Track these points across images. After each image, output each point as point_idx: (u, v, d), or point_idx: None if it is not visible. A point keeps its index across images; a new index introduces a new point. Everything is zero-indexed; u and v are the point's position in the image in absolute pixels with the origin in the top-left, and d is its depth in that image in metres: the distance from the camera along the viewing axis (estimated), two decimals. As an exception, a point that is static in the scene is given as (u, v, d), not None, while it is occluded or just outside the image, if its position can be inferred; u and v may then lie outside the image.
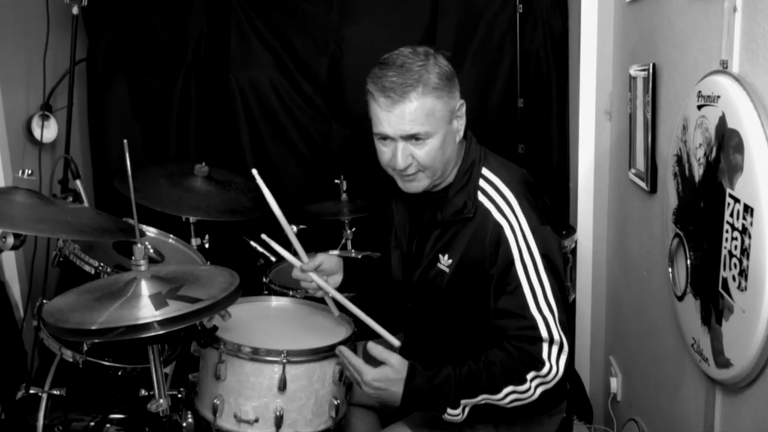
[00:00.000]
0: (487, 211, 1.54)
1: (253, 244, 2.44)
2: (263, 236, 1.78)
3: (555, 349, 1.49)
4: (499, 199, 1.55)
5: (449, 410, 1.51)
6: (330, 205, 2.67)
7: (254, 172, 1.68)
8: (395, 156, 1.53)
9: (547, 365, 1.49)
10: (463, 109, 1.59)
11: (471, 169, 1.59)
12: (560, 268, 1.55)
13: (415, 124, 1.49)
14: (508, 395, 1.50)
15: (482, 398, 1.51)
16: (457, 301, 1.63)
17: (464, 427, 1.67)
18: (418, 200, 1.68)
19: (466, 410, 1.52)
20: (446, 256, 1.61)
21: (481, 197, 1.56)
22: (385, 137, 1.55)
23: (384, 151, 1.57)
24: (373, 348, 1.54)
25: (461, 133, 1.60)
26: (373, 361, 1.92)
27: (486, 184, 1.58)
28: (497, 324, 1.54)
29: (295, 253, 1.77)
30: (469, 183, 1.58)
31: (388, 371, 1.52)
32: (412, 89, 1.47)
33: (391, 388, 1.52)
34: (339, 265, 1.81)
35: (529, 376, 1.49)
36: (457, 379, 1.50)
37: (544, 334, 1.48)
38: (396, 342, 1.70)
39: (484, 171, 1.59)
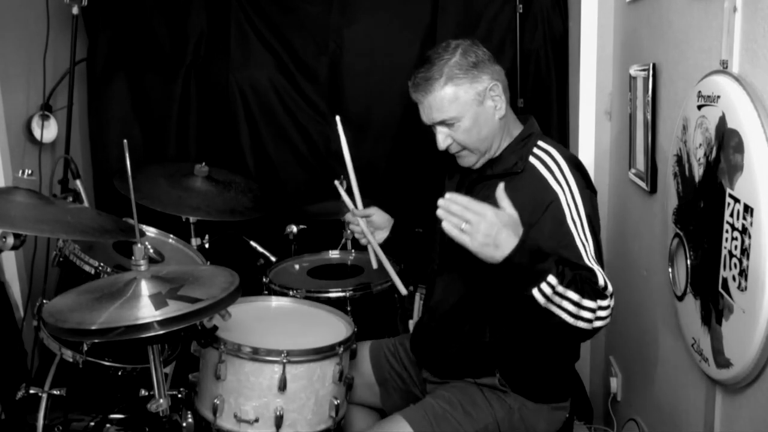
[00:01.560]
0: (538, 172, 1.65)
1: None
2: (336, 183, 2.03)
3: (610, 298, 1.51)
4: (551, 162, 1.66)
5: (550, 278, 1.43)
6: (330, 205, 2.67)
7: (338, 118, 1.92)
8: (438, 139, 1.72)
9: (608, 301, 1.49)
10: (499, 89, 1.69)
11: (528, 138, 1.72)
12: (599, 234, 1.63)
13: (440, 112, 1.66)
14: (587, 309, 1.46)
15: (568, 296, 1.45)
16: None
17: (464, 419, 1.68)
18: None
19: (553, 299, 1.45)
20: None
21: (532, 159, 1.68)
22: (427, 125, 1.73)
23: (435, 135, 1.73)
24: (501, 191, 1.48)
25: (501, 111, 1.70)
26: (374, 363, 1.95)
27: (540, 151, 1.69)
28: None
29: (353, 199, 1.97)
30: (523, 148, 1.71)
31: (512, 216, 1.45)
32: (434, 82, 1.65)
33: (508, 229, 1.43)
34: (388, 224, 1.98)
35: (598, 301, 1.47)
36: (559, 264, 1.47)
37: (601, 281, 1.51)
38: (404, 290, 1.92)
39: (540, 143, 1.71)
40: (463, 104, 1.65)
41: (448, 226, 1.44)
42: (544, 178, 1.63)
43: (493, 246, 1.42)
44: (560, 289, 1.44)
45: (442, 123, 1.67)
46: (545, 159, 1.66)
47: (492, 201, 1.66)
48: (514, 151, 1.71)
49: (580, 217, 1.59)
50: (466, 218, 1.43)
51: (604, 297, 1.50)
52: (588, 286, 1.48)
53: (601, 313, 1.49)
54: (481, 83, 1.66)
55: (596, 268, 1.54)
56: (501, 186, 1.48)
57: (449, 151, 1.72)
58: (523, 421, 1.70)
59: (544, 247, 1.55)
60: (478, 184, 1.74)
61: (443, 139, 1.69)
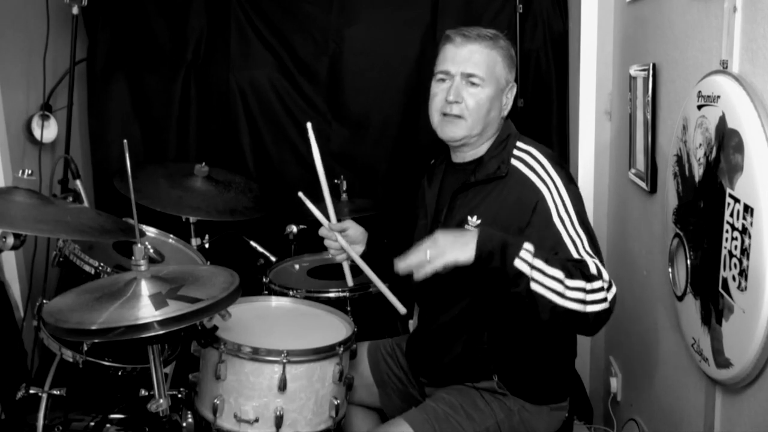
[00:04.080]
0: (521, 173, 1.64)
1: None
2: (300, 194, 1.86)
3: (605, 284, 1.49)
4: (532, 161, 1.65)
5: (526, 245, 1.45)
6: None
7: (309, 126, 1.85)
8: (449, 90, 1.67)
9: (602, 281, 1.48)
10: (513, 91, 1.74)
11: (507, 140, 1.72)
12: (590, 226, 1.62)
13: (478, 66, 1.66)
14: (575, 289, 1.45)
15: (556, 273, 1.45)
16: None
17: (466, 421, 1.68)
18: (452, 170, 1.78)
19: (535, 274, 1.44)
20: (474, 217, 1.66)
21: (514, 161, 1.67)
22: (446, 75, 1.69)
23: (437, 92, 1.71)
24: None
25: (505, 111, 1.73)
26: (372, 364, 1.95)
27: (519, 151, 1.69)
28: None
29: (326, 213, 1.86)
30: (503, 151, 1.70)
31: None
32: (485, 40, 1.68)
33: (465, 234, 1.49)
34: (363, 237, 1.90)
35: (588, 284, 1.46)
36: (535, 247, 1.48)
37: (593, 270, 1.49)
38: (403, 309, 1.78)
39: (518, 143, 1.71)
40: (495, 77, 1.68)
41: (421, 273, 1.48)
42: (528, 178, 1.62)
43: (462, 244, 1.46)
44: (539, 263, 1.44)
45: (468, 77, 1.66)
46: (527, 159, 1.66)
47: (478, 206, 1.67)
48: (494, 155, 1.70)
49: (569, 213, 1.58)
50: (422, 247, 1.48)
51: (594, 279, 1.47)
52: (574, 268, 1.47)
53: (594, 297, 1.46)
54: (511, 75, 1.73)
55: (589, 259, 1.52)
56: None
57: (449, 109, 1.67)
58: (523, 422, 1.70)
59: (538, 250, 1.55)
60: (461, 193, 1.72)
61: (456, 93, 1.66)
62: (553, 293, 1.44)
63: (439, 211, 1.78)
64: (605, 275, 1.50)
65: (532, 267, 1.44)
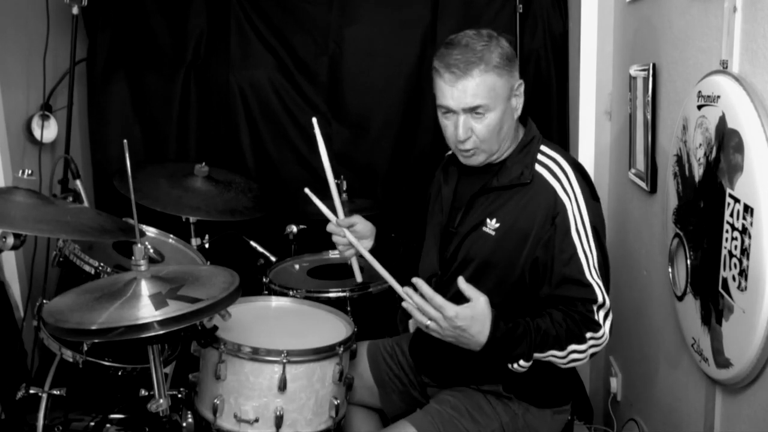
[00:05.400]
0: (546, 181, 1.61)
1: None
2: (306, 190, 1.82)
3: (603, 312, 1.56)
4: (557, 169, 1.62)
5: (521, 362, 1.54)
6: (330, 205, 2.67)
7: (314, 121, 1.81)
8: (456, 128, 1.60)
9: (602, 328, 1.55)
10: (522, 88, 1.67)
11: (530, 144, 1.68)
12: (604, 243, 1.63)
13: (477, 97, 1.56)
14: (570, 354, 1.54)
15: (549, 354, 1.55)
16: (495, 269, 1.65)
17: (471, 424, 1.67)
18: (473, 169, 1.72)
19: (537, 360, 1.56)
20: (494, 221, 1.65)
21: (538, 167, 1.63)
22: (447, 110, 1.61)
23: (447, 125, 1.64)
24: (463, 282, 1.51)
25: (519, 111, 1.67)
26: (372, 364, 1.94)
27: (544, 157, 1.65)
28: (556, 293, 1.58)
29: (333, 209, 1.83)
30: (527, 155, 1.66)
31: (475, 310, 1.49)
32: (475, 66, 1.55)
33: (474, 328, 1.48)
34: (372, 232, 1.87)
35: (588, 335, 1.54)
36: (534, 333, 1.53)
37: (599, 298, 1.55)
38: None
39: (543, 147, 1.68)
40: (498, 96, 1.58)
41: (417, 318, 1.52)
42: (553, 188, 1.60)
43: (463, 343, 1.52)
44: (538, 359, 1.55)
45: (472, 110, 1.57)
46: (552, 167, 1.63)
47: (498, 210, 1.65)
48: (518, 160, 1.65)
49: (585, 228, 1.57)
50: (430, 315, 1.49)
51: (596, 327, 1.54)
52: (573, 331, 1.54)
53: (594, 342, 1.55)
54: (514, 78, 1.63)
55: (595, 283, 1.55)
56: (461, 279, 1.51)
57: (462, 146, 1.62)
58: (527, 426, 1.70)
59: (550, 260, 1.58)
60: (480, 196, 1.68)
61: (465, 130, 1.59)
62: (555, 359, 1.56)
63: (455, 210, 1.74)
64: (607, 302, 1.56)
65: (533, 361, 1.56)
